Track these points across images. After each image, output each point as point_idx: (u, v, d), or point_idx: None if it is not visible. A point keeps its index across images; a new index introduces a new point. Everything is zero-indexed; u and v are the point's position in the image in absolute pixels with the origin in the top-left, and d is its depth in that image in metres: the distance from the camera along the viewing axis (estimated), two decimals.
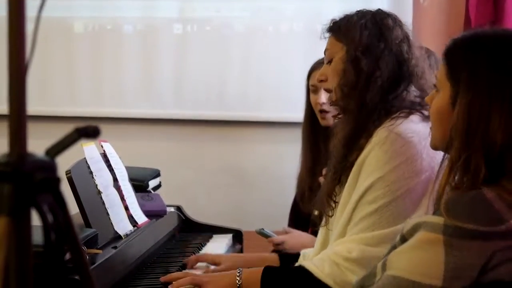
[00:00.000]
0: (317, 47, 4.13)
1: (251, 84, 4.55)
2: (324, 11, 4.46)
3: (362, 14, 2.42)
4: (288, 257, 2.73)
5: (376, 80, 2.34)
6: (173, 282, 2.39)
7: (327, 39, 2.49)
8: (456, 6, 4.09)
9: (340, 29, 2.43)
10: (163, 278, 2.44)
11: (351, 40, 2.38)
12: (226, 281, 2.38)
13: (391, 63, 2.36)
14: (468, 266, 1.65)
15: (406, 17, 4.10)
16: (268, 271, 2.36)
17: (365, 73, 2.35)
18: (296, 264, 2.39)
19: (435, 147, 1.93)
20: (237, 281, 2.36)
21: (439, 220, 1.69)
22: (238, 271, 2.38)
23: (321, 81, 2.50)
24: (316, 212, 3.06)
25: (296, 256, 2.69)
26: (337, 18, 2.46)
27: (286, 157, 4.44)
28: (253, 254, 2.82)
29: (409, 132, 2.26)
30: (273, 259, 2.73)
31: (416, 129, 2.27)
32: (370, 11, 2.44)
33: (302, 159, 3.55)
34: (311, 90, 3.47)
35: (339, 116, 2.47)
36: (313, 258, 2.38)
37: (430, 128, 1.94)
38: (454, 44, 1.87)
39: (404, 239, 1.79)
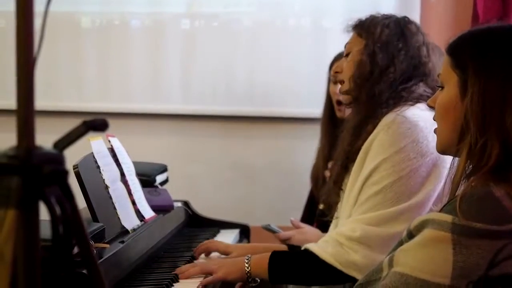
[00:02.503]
0: (324, 42, 4.14)
1: (258, 79, 4.55)
2: (331, 6, 4.47)
3: (387, 16, 2.52)
4: (297, 249, 2.74)
5: (388, 75, 2.43)
6: (184, 272, 2.45)
7: (350, 34, 2.57)
8: (464, 2, 4.09)
9: (363, 26, 2.51)
10: (178, 270, 2.47)
11: (371, 35, 2.47)
12: (236, 267, 2.45)
13: (406, 62, 2.44)
14: (476, 265, 1.64)
15: (414, 14, 4.11)
16: (275, 255, 2.42)
17: (379, 66, 2.43)
18: (303, 247, 2.43)
19: (442, 148, 1.90)
20: (246, 268, 2.42)
21: (447, 218, 1.68)
22: (247, 257, 2.44)
23: (336, 72, 2.60)
24: (321, 206, 3.07)
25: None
26: (364, 18, 2.55)
27: (294, 153, 4.44)
28: (263, 244, 2.84)
29: (415, 116, 2.33)
30: (282, 249, 2.74)
31: (423, 114, 2.34)
32: (397, 16, 2.53)
33: (319, 147, 3.58)
34: (331, 80, 3.49)
35: (350, 105, 2.54)
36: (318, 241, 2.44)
37: (435, 130, 1.92)
38: (458, 37, 1.87)
39: (411, 235, 1.78)
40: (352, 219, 2.36)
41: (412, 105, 2.39)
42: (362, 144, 2.40)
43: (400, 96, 2.41)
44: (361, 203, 2.35)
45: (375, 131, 2.37)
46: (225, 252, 2.71)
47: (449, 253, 1.66)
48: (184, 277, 2.43)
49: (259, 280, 2.47)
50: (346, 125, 2.55)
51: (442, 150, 1.91)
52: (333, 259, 2.31)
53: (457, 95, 1.79)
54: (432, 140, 2.23)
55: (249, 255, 2.46)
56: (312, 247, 2.38)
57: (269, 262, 2.40)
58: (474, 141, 1.74)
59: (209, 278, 2.42)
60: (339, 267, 2.31)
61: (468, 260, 1.64)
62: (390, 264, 1.78)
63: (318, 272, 2.35)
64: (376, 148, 2.34)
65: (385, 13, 2.55)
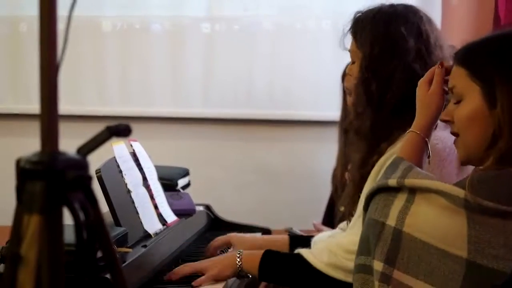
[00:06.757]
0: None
1: (279, 83, 4.55)
2: (352, 9, 4.45)
3: (376, 19, 2.37)
4: (298, 240, 2.74)
5: (389, 102, 2.30)
6: (174, 272, 2.45)
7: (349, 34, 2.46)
8: (485, 5, 4.07)
9: (356, 30, 2.41)
10: (166, 277, 2.45)
11: (363, 54, 2.35)
12: (227, 263, 2.44)
13: (403, 81, 2.28)
14: (488, 242, 1.68)
15: (435, 16, 4.09)
16: (267, 255, 2.41)
17: (375, 96, 2.31)
18: (296, 251, 2.41)
19: (468, 158, 1.89)
20: (237, 263, 2.42)
21: (459, 192, 1.72)
22: (239, 252, 2.44)
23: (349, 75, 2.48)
24: (342, 208, 3.07)
25: (307, 238, 2.71)
26: (357, 15, 2.45)
27: (314, 156, 4.43)
28: (263, 236, 2.87)
29: (434, 139, 2.19)
30: (283, 241, 2.74)
31: (442, 135, 2.23)
32: (388, 11, 2.38)
33: (338, 154, 3.57)
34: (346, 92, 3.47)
35: (352, 137, 2.44)
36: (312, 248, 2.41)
37: (455, 142, 1.92)
38: (469, 48, 1.89)
39: (408, 190, 1.80)
40: (354, 231, 2.28)
41: None
42: (376, 161, 2.30)
43: (406, 124, 2.17)
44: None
45: (391, 150, 2.26)
46: (225, 243, 2.77)
47: (464, 227, 1.70)
48: (175, 277, 2.43)
49: (250, 276, 2.47)
50: (352, 159, 2.44)
51: (468, 160, 1.91)
52: (329, 268, 2.28)
53: (483, 105, 1.80)
54: (448, 165, 2.19)
55: (241, 251, 2.45)
56: (306, 254, 2.34)
57: (260, 261, 2.39)
58: (508, 146, 1.76)
59: (202, 278, 2.41)
60: (336, 276, 2.27)
61: (481, 236, 1.68)
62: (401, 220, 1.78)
63: (310, 280, 2.32)
64: None
65: (372, 7, 2.41)
